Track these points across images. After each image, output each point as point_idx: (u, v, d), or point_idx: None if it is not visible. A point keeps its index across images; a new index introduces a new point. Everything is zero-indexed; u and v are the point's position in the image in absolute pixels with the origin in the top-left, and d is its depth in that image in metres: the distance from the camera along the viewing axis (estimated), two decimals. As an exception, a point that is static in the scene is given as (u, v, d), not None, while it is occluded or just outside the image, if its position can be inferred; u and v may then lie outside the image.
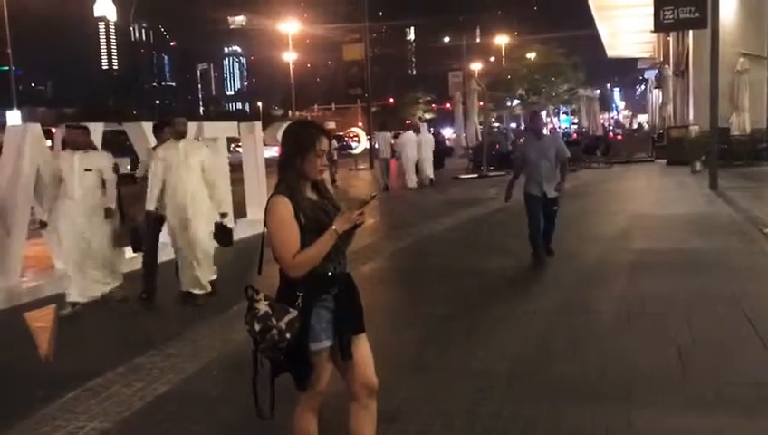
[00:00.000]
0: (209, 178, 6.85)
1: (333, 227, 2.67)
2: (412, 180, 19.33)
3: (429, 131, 22.22)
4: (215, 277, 7.10)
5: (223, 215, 6.97)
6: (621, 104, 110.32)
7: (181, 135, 6.81)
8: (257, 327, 2.60)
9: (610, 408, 3.84)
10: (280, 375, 2.75)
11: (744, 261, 7.48)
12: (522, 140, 29.00)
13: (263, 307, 2.62)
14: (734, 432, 3.53)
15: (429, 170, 19.83)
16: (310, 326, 2.67)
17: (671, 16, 17.00)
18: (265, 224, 2.73)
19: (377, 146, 22.79)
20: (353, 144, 38.25)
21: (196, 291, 6.87)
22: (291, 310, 2.63)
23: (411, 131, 20.62)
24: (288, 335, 2.60)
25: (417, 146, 19.45)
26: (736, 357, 4.57)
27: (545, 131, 8.17)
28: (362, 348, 2.85)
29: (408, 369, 4.62)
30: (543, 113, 48.79)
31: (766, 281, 6.63)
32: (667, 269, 7.34)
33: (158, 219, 6.90)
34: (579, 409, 3.86)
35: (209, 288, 6.96)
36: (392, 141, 21.01)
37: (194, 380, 4.67)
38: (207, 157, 6.96)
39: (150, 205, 6.71)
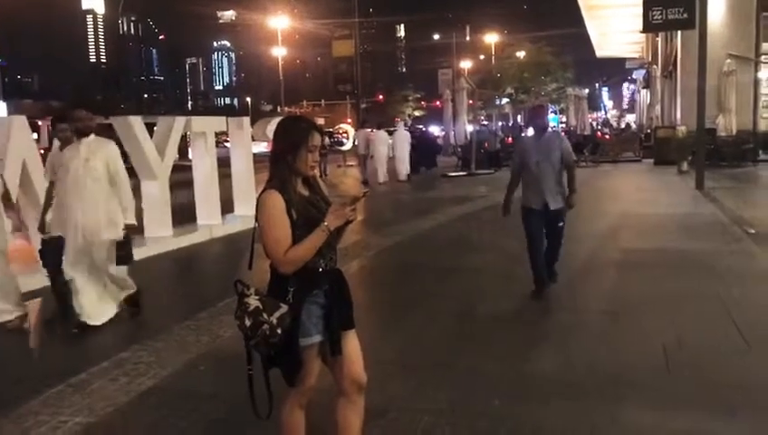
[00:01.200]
0: (116, 182, 5.78)
1: (325, 223, 2.66)
2: (383, 175, 19.99)
3: (418, 130, 22.61)
4: (116, 307, 6.02)
5: (128, 227, 5.86)
6: (609, 104, 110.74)
7: (83, 132, 5.73)
8: (248, 322, 2.59)
9: (596, 406, 3.86)
10: (270, 370, 2.74)
11: (728, 261, 7.53)
12: (510, 138, 29.04)
13: (253, 302, 2.61)
14: (718, 432, 3.56)
15: (404, 168, 20.45)
16: (300, 321, 2.67)
17: (660, 17, 17.10)
18: (257, 219, 2.72)
19: (356, 143, 23.28)
20: (343, 140, 38.19)
21: (91, 321, 5.77)
22: (282, 305, 2.62)
23: (383, 129, 21.58)
24: (279, 330, 2.59)
25: (392, 143, 20.45)
26: (720, 357, 4.61)
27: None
28: (352, 344, 2.85)
29: (396, 366, 4.62)
30: (532, 112, 49.12)
31: (751, 281, 6.68)
32: (653, 269, 7.38)
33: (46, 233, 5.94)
34: (565, 406, 3.88)
35: (111, 313, 5.95)
36: (370, 138, 21.41)
37: (180, 375, 4.65)
38: (114, 157, 5.84)
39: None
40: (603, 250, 8.45)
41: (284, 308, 2.62)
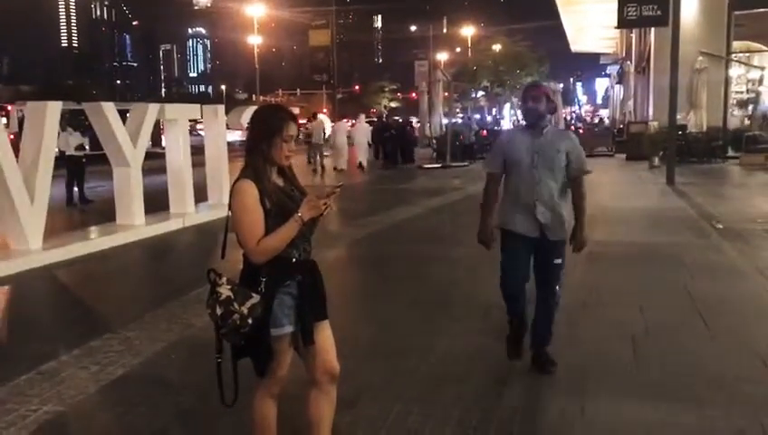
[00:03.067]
0: None
1: (299, 214, 2.65)
2: (343, 163, 21.86)
3: (395, 122, 23.95)
4: None
5: None
6: (584, 98, 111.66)
7: None
8: (219, 311, 2.58)
9: (565, 395, 3.92)
10: (241, 360, 2.75)
11: (696, 254, 7.68)
12: (485, 131, 29.03)
13: (225, 291, 2.60)
14: (684, 419, 3.63)
15: (363, 157, 22.64)
16: (272, 311, 2.67)
17: (634, 13, 17.34)
18: (230, 208, 2.70)
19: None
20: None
21: None
22: (253, 295, 2.62)
23: (343, 120, 25.00)
24: (250, 320, 2.59)
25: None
26: (686, 348, 4.70)
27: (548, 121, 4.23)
28: (325, 334, 2.85)
29: (368, 356, 4.64)
30: (507, 105, 49.27)
31: (717, 274, 6.82)
32: (622, 261, 7.50)
33: None
34: (534, 396, 3.94)
35: None
36: (325, 130, 24.07)
37: (151, 364, 4.62)
38: None
39: None
40: (575, 243, 8.53)
41: (256, 298, 2.61)
